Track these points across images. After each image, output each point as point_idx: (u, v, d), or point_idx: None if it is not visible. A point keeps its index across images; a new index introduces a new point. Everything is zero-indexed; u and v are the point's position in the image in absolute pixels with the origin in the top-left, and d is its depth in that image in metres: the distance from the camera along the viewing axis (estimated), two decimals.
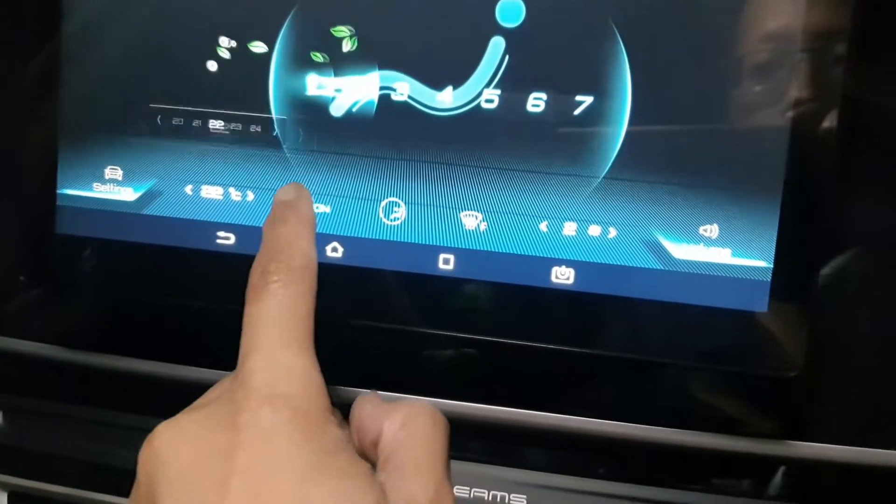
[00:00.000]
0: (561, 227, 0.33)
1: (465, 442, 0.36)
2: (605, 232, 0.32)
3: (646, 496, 0.35)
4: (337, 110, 0.33)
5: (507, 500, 0.36)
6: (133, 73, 0.34)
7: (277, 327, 0.26)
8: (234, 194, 0.34)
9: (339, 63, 0.33)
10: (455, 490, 0.36)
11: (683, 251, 0.32)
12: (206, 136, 0.34)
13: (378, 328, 0.34)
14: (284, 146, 0.34)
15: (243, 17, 0.33)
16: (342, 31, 0.33)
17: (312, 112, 0.33)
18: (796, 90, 0.31)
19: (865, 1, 0.30)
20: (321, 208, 0.34)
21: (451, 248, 0.33)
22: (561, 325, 0.33)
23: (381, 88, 0.33)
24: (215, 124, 0.34)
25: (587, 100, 0.32)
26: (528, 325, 0.33)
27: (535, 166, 0.32)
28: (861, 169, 0.32)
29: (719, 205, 0.32)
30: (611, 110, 0.32)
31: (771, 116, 0.31)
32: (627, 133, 0.32)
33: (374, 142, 0.33)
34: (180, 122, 0.34)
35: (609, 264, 0.32)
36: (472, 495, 0.36)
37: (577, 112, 0.32)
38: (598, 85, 0.32)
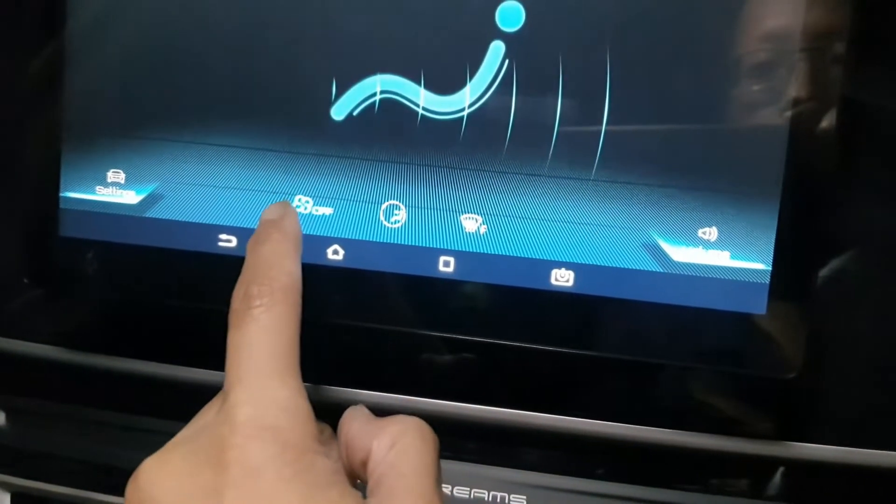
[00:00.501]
0: (560, 230, 0.33)
1: (466, 443, 0.36)
2: (604, 235, 0.32)
3: (645, 497, 0.36)
4: (338, 113, 0.33)
5: (506, 501, 0.36)
6: (136, 75, 0.35)
7: (261, 356, 0.25)
8: (237, 197, 0.34)
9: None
10: (455, 490, 0.36)
11: (682, 254, 0.32)
12: (207, 138, 0.34)
13: (378, 330, 0.34)
14: (286, 149, 0.34)
15: (247, 17, 0.33)
16: None
17: (313, 114, 0.34)
18: (795, 91, 0.31)
19: (864, 0, 0.30)
20: (323, 210, 0.34)
21: (451, 250, 0.33)
22: (561, 327, 0.33)
23: (382, 92, 0.33)
24: (217, 127, 0.34)
25: (587, 102, 0.32)
26: (528, 327, 0.33)
27: (535, 169, 0.32)
28: (860, 170, 0.32)
29: (718, 207, 0.32)
30: (610, 112, 0.32)
31: (769, 117, 0.31)
32: (627, 134, 0.32)
33: (374, 145, 0.33)
34: (182, 124, 0.34)
35: (608, 267, 0.33)
36: (472, 496, 0.36)
37: (576, 114, 0.32)
38: (599, 87, 0.32)
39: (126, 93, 0.35)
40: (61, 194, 0.36)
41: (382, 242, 0.34)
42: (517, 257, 0.33)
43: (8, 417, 0.41)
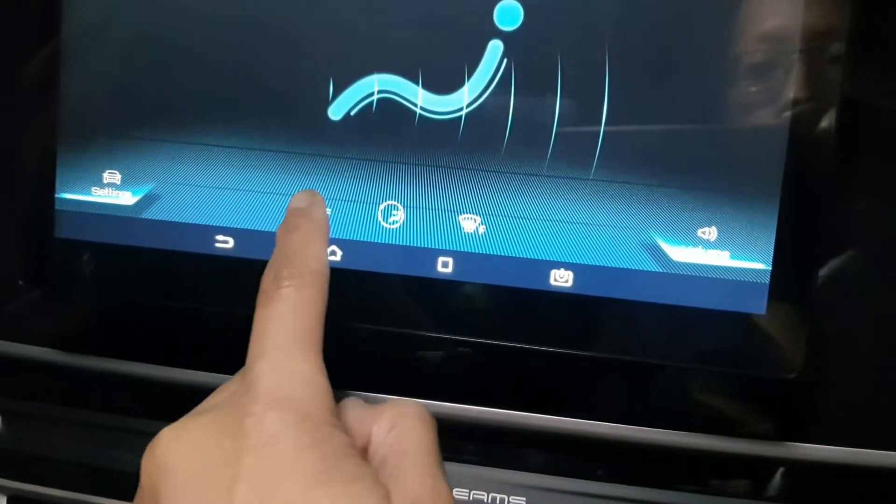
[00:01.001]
0: (559, 230, 0.33)
1: (465, 444, 0.36)
2: (603, 235, 0.32)
3: (645, 498, 0.36)
4: (336, 113, 0.33)
5: (506, 502, 0.36)
6: (132, 76, 0.34)
7: (286, 332, 0.26)
8: (233, 198, 0.34)
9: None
10: (454, 492, 0.36)
11: (682, 254, 0.32)
12: (204, 139, 0.34)
13: (377, 331, 0.34)
14: (283, 149, 0.34)
15: (243, 17, 0.33)
16: None
17: (311, 114, 0.33)
18: (794, 91, 0.31)
19: (863, 0, 0.30)
20: None
21: (449, 251, 0.33)
22: (560, 327, 0.33)
23: (380, 91, 0.33)
24: (214, 127, 0.34)
25: (586, 102, 0.32)
26: (527, 328, 0.33)
27: (534, 169, 0.32)
28: (859, 170, 0.32)
29: (718, 207, 0.32)
30: (609, 112, 0.32)
31: (768, 117, 0.31)
32: (626, 134, 0.32)
33: (372, 145, 0.33)
34: (178, 125, 0.34)
35: (608, 267, 0.32)
36: (471, 497, 0.36)
37: (575, 114, 0.32)
38: (598, 87, 0.31)
39: (122, 93, 0.35)
40: (57, 195, 0.35)
41: (380, 243, 0.34)
42: (516, 258, 0.33)
43: (3, 420, 0.41)
